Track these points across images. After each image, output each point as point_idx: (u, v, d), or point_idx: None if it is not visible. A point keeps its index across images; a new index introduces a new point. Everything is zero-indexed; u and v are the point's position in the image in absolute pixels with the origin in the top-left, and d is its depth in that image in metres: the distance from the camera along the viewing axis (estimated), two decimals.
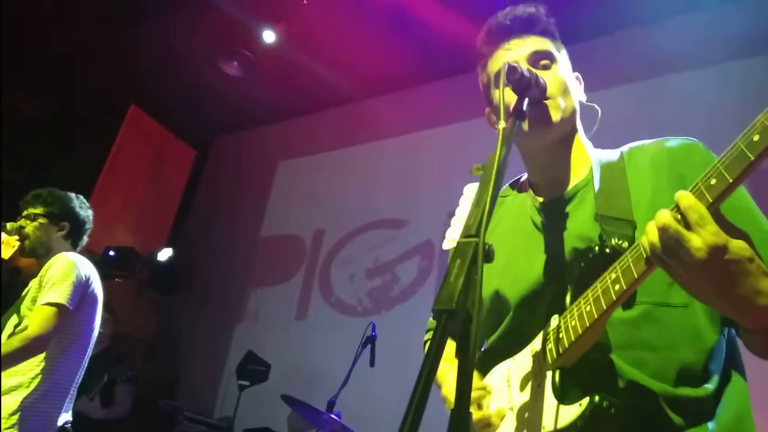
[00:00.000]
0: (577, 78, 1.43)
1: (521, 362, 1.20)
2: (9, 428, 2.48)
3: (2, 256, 2.98)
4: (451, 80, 5.24)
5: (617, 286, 0.99)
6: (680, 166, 1.23)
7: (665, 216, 0.90)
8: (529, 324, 1.22)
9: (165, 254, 6.07)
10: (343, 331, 4.65)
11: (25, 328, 2.55)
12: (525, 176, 1.49)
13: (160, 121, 6.76)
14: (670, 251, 0.90)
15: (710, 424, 1.06)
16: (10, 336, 2.62)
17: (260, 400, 4.77)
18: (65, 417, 2.69)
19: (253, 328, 5.58)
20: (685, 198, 0.90)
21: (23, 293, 2.81)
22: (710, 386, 1.09)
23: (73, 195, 3.04)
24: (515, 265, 1.31)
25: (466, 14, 4.43)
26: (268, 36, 5.18)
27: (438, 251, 4.48)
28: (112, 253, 5.66)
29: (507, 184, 1.54)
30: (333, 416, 3.22)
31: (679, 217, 0.90)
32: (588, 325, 1.02)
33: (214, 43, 5.41)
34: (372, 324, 3.76)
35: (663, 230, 0.90)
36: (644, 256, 0.95)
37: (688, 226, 0.89)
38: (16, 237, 2.88)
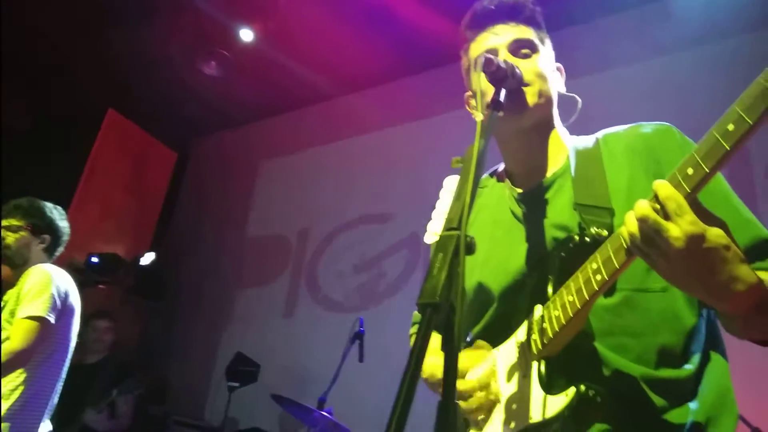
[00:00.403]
0: (558, 69, 1.43)
1: (506, 353, 1.20)
2: None
3: None
4: (429, 74, 5.24)
5: (599, 276, 1.00)
6: (656, 151, 1.24)
7: (644, 207, 0.91)
8: (513, 314, 1.23)
9: (148, 259, 6.02)
10: (331, 328, 4.65)
11: (6, 340, 2.54)
12: (502, 165, 1.50)
13: (139, 124, 6.68)
14: (649, 241, 0.91)
15: (692, 404, 1.09)
16: None
17: (251, 401, 4.76)
18: (45, 427, 2.70)
19: (241, 328, 5.56)
20: (664, 188, 0.91)
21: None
22: (691, 367, 1.11)
23: (51, 206, 3.01)
24: (496, 257, 1.32)
25: (442, 9, 4.44)
26: (246, 35, 5.15)
27: (423, 244, 4.48)
28: (95, 259, 5.59)
29: (486, 174, 1.54)
30: (324, 413, 3.22)
31: (657, 207, 0.91)
32: (571, 315, 1.04)
33: (192, 44, 5.36)
34: (360, 319, 3.76)
35: (642, 221, 0.91)
36: (624, 246, 0.96)
37: (666, 216, 0.90)
38: None
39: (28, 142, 5.77)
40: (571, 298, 1.04)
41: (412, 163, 4.98)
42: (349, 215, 5.32)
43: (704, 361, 1.14)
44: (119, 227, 6.37)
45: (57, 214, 3.00)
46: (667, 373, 1.09)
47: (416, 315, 1.66)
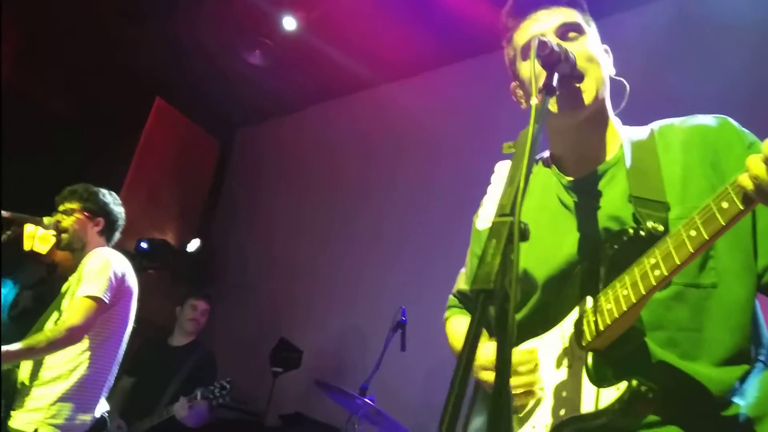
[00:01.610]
0: (606, 51, 1.39)
1: (550, 342, 1.20)
2: (50, 417, 2.59)
3: (39, 250, 3.09)
4: (474, 62, 5.18)
5: (657, 272, 0.98)
6: (713, 142, 1.22)
7: None
8: (557, 304, 1.21)
9: (194, 245, 6.16)
10: (373, 316, 4.67)
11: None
12: (547, 152, 1.47)
13: (185, 112, 6.82)
14: None
15: (740, 401, 1.07)
16: None
17: (294, 386, 4.83)
18: (102, 407, 2.79)
19: (284, 315, 5.64)
20: None
21: (63, 289, 2.89)
22: (740, 365, 1.09)
23: (106, 191, 3.11)
24: (541, 244, 1.30)
25: None
26: (289, 23, 5.17)
27: (471, 233, 4.44)
28: (144, 245, 5.75)
29: None
30: (367, 400, 3.24)
31: None
32: (625, 309, 1.02)
33: (236, 33, 5.42)
34: (402, 309, 3.77)
35: None
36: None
37: None
38: (53, 232, 2.96)
39: (78, 131, 5.96)
40: (625, 292, 1.03)
41: (457, 150, 4.93)
42: (393, 202, 5.32)
43: (753, 360, 1.12)
44: (166, 214, 6.53)
45: (111, 199, 3.10)
46: (717, 371, 1.08)
47: (451, 299, 1.66)
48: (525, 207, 1.37)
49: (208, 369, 4.37)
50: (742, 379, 1.08)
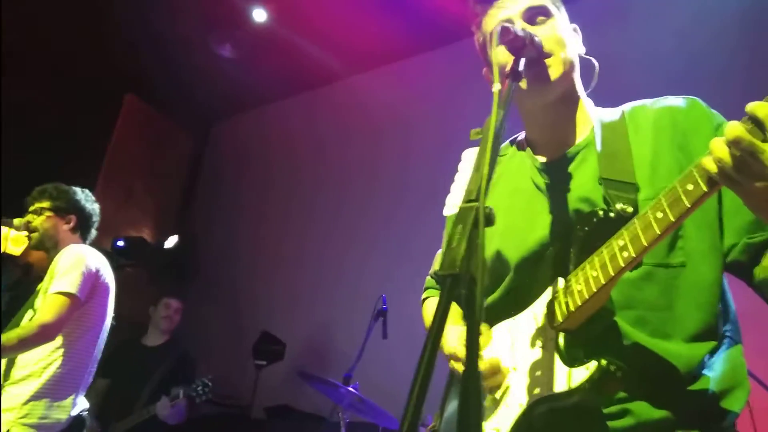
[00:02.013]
0: (574, 30, 1.40)
1: (523, 323, 1.21)
2: (22, 417, 2.52)
3: (13, 252, 3.03)
4: (443, 51, 5.19)
5: (625, 253, 1.00)
6: (681, 123, 1.23)
7: (737, 128, 0.87)
8: (530, 285, 1.23)
9: (172, 242, 6.11)
10: (354, 305, 4.69)
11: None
12: (523, 134, 1.48)
13: (157, 108, 6.73)
14: (742, 165, 0.88)
15: (708, 373, 1.10)
16: None
17: (278, 379, 4.84)
18: (80, 405, 2.74)
19: (265, 308, 5.63)
20: (761, 108, 0.86)
21: (37, 288, 2.85)
22: (708, 341, 1.12)
23: (78, 189, 3.07)
24: (516, 226, 1.31)
25: None
26: (259, 15, 5.13)
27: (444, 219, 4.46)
28: (120, 243, 5.69)
29: (505, 141, 1.53)
30: (350, 389, 3.26)
31: (749, 127, 0.87)
32: (594, 290, 1.04)
33: (207, 26, 5.36)
34: (383, 297, 3.79)
35: (735, 143, 0.87)
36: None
37: (765, 137, 0.86)
38: (25, 233, 2.91)
39: (48, 130, 5.85)
40: (595, 273, 1.05)
41: (433, 138, 4.94)
42: (371, 192, 5.33)
43: (720, 337, 1.15)
44: (142, 211, 6.46)
45: (83, 196, 3.05)
46: (685, 348, 1.10)
47: (428, 280, 1.68)
48: (500, 190, 1.41)
49: (186, 368, 4.34)
50: (710, 354, 1.11)
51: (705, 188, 0.91)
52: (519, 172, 1.41)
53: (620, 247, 1.01)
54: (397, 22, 5.03)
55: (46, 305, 2.60)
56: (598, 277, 1.04)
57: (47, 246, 2.89)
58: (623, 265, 1.00)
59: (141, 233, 6.05)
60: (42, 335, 2.54)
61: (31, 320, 2.67)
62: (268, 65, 5.87)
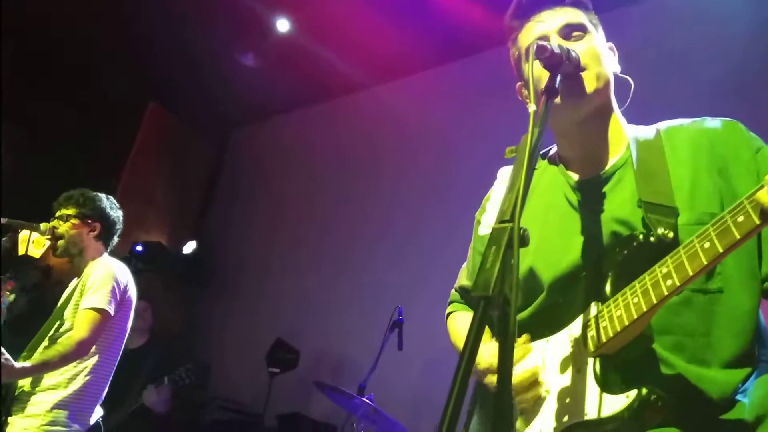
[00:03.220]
0: (610, 48, 1.39)
1: (557, 345, 1.20)
2: (45, 424, 2.61)
3: (33, 254, 3.09)
4: (465, 62, 5.19)
5: (669, 282, 0.99)
6: (721, 146, 1.22)
7: None
8: (563, 305, 1.22)
9: (190, 247, 6.15)
10: (369, 315, 4.68)
11: (70, 330, 2.67)
12: (554, 148, 1.46)
13: (179, 116, 6.80)
14: None
15: (743, 399, 1.08)
16: (51, 337, 2.72)
17: (291, 387, 4.84)
18: (97, 414, 2.82)
19: (281, 315, 5.64)
20: None
21: (64, 297, 2.90)
22: (744, 368, 1.10)
23: (103, 196, 3.10)
24: (549, 244, 1.30)
25: None
26: (282, 25, 5.17)
27: (469, 235, 4.43)
28: (139, 248, 5.74)
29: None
30: (365, 400, 3.26)
31: None
32: (635, 316, 1.03)
33: (230, 35, 5.41)
34: (398, 308, 3.78)
35: None
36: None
37: None
38: (47, 236, 2.95)
39: (72, 136, 5.94)
40: (636, 300, 1.03)
41: (463, 151, 4.91)
42: (390, 204, 5.32)
43: (756, 361, 1.13)
44: (162, 217, 6.52)
45: (108, 203, 3.09)
46: (723, 375, 1.09)
47: (453, 294, 1.66)
48: (533, 205, 1.39)
49: (168, 365, 4.38)
50: (745, 380, 1.10)
51: (757, 221, 0.90)
52: (552, 187, 1.39)
53: (664, 275, 1.00)
54: (420, 33, 5.04)
55: (80, 321, 2.68)
56: (639, 304, 1.03)
57: (72, 252, 2.94)
58: (666, 293, 0.99)
59: (160, 238, 6.09)
60: (80, 351, 2.65)
61: (58, 330, 2.73)
62: (290, 74, 5.90)
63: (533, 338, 1.26)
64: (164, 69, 5.93)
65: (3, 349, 2.43)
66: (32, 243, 3.05)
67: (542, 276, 1.29)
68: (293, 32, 5.21)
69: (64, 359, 2.59)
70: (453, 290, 1.67)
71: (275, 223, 6.26)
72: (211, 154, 7.30)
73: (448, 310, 1.65)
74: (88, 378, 2.71)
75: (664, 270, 1.00)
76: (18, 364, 2.50)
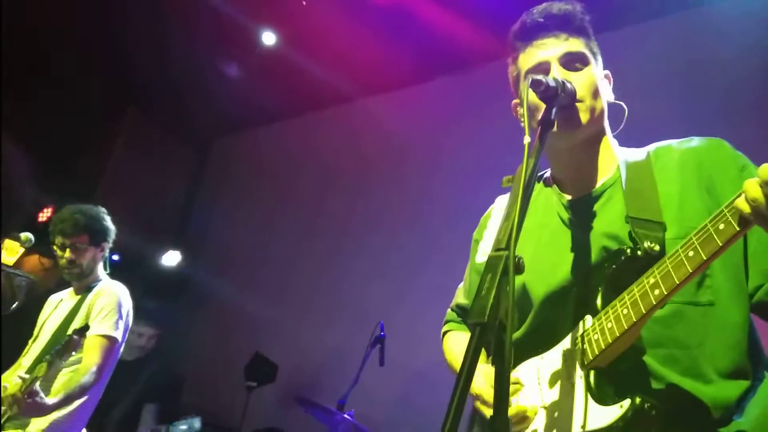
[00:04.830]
0: (606, 77, 1.43)
1: (551, 361, 1.22)
2: None
3: (6, 261, 3.08)
4: (449, 78, 5.25)
5: (657, 291, 1.02)
6: (707, 165, 1.26)
7: None
8: (556, 321, 1.25)
9: (171, 257, 6.09)
10: (349, 329, 4.68)
11: (79, 360, 2.72)
12: (549, 171, 1.50)
13: (159, 122, 6.75)
14: None
15: (738, 418, 1.10)
16: (58, 349, 2.67)
17: (269, 401, 4.80)
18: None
19: (259, 329, 5.60)
20: None
21: (67, 313, 2.91)
22: (738, 382, 1.13)
23: (103, 211, 3.14)
24: (542, 261, 1.33)
25: (463, 13, 4.46)
26: (268, 37, 5.19)
27: (450, 250, 4.47)
28: (116, 257, 5.66)
29: None
30: (346, 416, 3.25)
31: None
32: (626, 328, 1.06)
33: (214, 45, 5.41)
34: (380, 324, 3.77)
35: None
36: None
37: None
38: (26, 246, 2.94)
39: (51, 143, 5.86)
40: (626, 311, 1.06)
41: (446, 166, 4.94)
42: (371, 218, 5.33)
43: (752, 377, 1.15)
44: (140, 225, 6.43)
45: (108, 220, 3.14)
46: (716, 388, 1.11)
47: (449, 313, 1.69)
48: (528, 225, 1.39)
49: (163, 384, 4.35)
50: (742, 396, 1.12)
51: (737, 227, 0.94)
52: (545, 207, 1.43)
53: (651, 285, 1.03)
54: (405, 48, 5.09)
55: (93, 348, 2.74)
56: (629, 315, 1.06)
57: (85, 274, 2.99)
58: (654, 302, 1.02)
59: (138, 248, 6.01)
60: (97, 377, 2.72)
61: (64, 343, 2.72)
62: (273, 86, 5.91)
63: (528, 356, 1.28)
64: (146, 74, 5.88)
65: (37, 386, 2.43)
66: (5, 250, 3.04)
67: (533, 292, 1.33)
68: (278, 45, 5.22)
69: (83, 389, 2.66)
70: (449, 309, 1.69)
71: (255, 235, 6.23)
72: (191, 161, 7.24)
73: (444, 329, 1.67)
74: (83, 400, 2.75)
75: (652, 280, 1.04)
76: (48, 400, 2.52)
